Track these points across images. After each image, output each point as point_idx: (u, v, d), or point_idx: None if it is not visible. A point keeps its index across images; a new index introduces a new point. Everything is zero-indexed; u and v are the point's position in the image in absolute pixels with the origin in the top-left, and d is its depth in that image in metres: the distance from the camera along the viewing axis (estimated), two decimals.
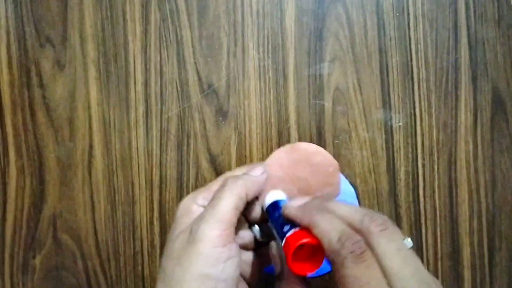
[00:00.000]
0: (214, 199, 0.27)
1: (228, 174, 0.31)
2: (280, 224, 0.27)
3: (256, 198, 0.30)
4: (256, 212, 0.31)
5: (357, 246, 0.22)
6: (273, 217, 0.28)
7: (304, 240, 0.24)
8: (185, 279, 0.24)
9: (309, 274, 0.24)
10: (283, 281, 0.26)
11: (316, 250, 0.24)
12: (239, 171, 0.31)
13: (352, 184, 0.39)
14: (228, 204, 0.27)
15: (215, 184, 0.30)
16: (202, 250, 0.25)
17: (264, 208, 0.30)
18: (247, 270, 0.30)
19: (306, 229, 0.24)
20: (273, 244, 0.28)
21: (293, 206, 0.27)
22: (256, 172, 0.30)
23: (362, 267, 0.21)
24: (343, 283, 0.21)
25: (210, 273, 0.25)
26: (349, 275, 0.21)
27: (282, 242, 0.25)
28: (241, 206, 0.28)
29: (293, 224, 0.26)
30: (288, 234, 0.25)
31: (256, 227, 0.31)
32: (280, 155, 0.31)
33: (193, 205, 0.29)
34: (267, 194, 0.30)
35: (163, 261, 0.27)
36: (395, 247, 0.21)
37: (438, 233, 0.39)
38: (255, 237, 0.31)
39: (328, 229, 0.23)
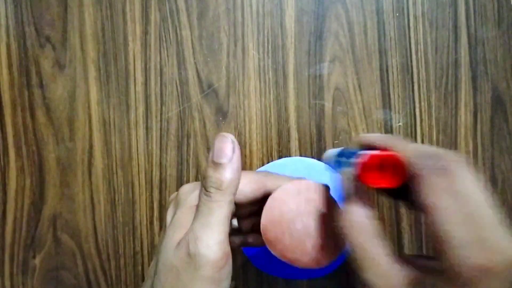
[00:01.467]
0: (202, 213, 0.24)
1: (252, 174, 0.28)
2: (355, 153, 0.26)
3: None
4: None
5: (443, 164, 0.22)
6: (346, 154, 0.28)
7: (387, 153, 0.24)
8: None
9: (386, 187, 0.24)
10: (351, 201, 0.25)
11: (395, 169, 0.24)
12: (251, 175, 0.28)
13: None
14: (221, 216, 0.24)
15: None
16: (205, 274, 0.24)
17: (329, 159, 0.30)
18: None
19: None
20: (344, 173, 0.27)
21: (372, 134, 0.26)
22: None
23: (448, 181, 0.22)
24: (426, 193, 0.22)
25: None
26: (435, 185, 0.22)
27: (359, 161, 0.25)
28: (232, 211, 0.26)
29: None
30: (368, 153, 0.24)
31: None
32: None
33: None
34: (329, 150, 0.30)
35: (161, 272, 0.25)
36: (473, 177, 0.22)
37: None
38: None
39: (412, 148, 0.23)
